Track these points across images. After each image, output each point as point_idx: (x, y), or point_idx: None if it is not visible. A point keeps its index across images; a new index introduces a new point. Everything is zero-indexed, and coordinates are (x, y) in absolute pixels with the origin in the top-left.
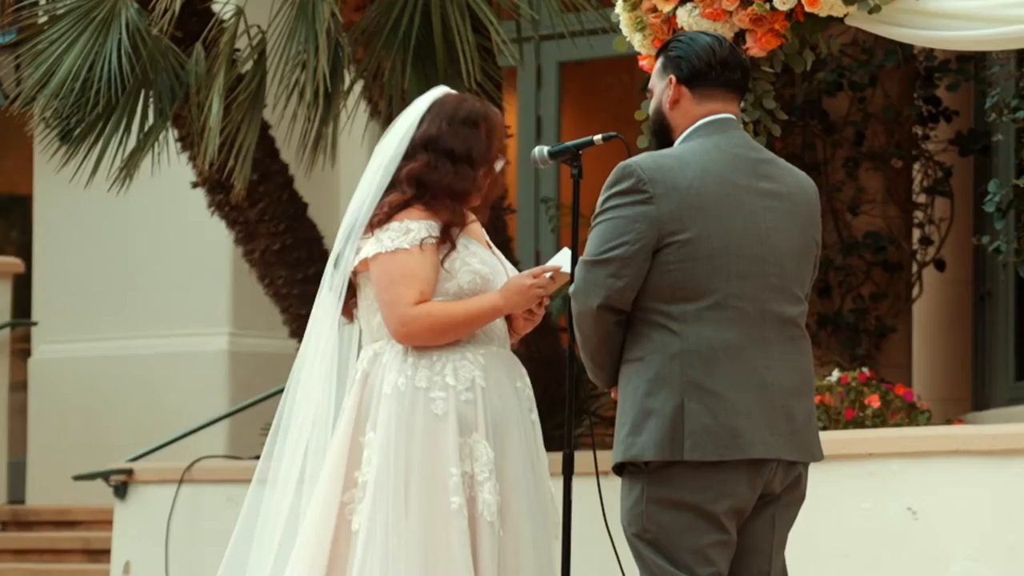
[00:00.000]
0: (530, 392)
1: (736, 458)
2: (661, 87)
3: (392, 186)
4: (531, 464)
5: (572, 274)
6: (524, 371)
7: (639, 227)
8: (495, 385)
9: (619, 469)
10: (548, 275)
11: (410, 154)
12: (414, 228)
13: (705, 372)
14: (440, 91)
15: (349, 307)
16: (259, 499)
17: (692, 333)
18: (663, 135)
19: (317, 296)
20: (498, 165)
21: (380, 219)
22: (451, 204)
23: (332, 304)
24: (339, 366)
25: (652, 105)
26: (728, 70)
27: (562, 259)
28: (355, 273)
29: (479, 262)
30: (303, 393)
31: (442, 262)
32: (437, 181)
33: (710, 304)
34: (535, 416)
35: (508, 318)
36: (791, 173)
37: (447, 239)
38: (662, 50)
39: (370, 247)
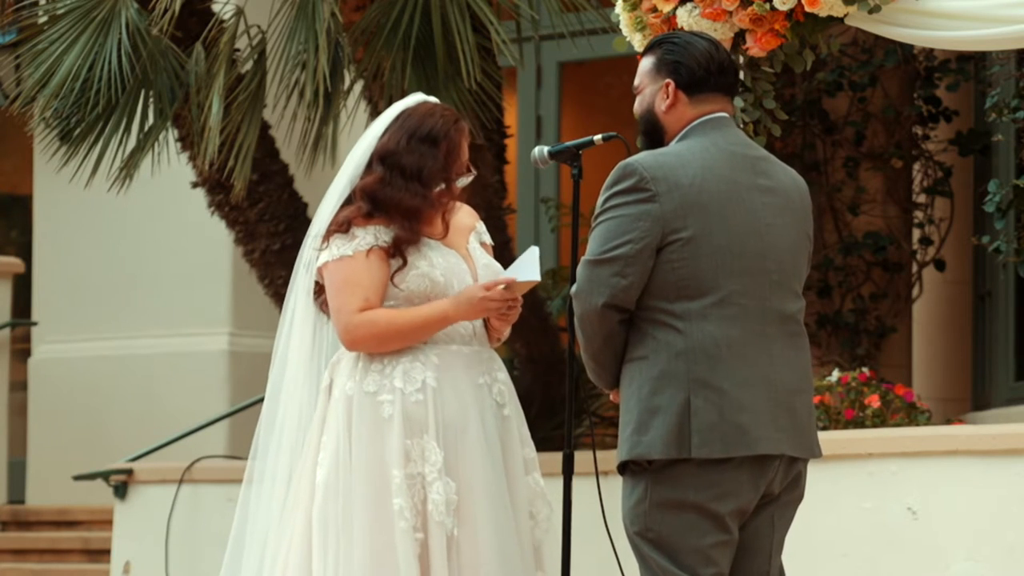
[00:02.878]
0: (502, 387)
1: (743, 454)
2: (654, 89)
3: (352, 197)
4: (497, 460)
5: (573, 274)
6: (497, 366)
7: (642, 225)
8: (450, 385)
9: (622, 468)
10: (501, 287)
11: (369, 165)
12: (359, 235)
13: (710, 369)
14: (412, 100)
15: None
16: (248, 499)
17: (696, 331)
18: (654, 136)
19: (288, 296)
20: (462, 181)
21: (333, 229)
22: (402, 220)
23: (304, 303)
24: (319, 364)
25: (642, 105)
26: (724, 75)
27: (529, 259)
28: (317, 284)
29: (428, 265)
30: (287, 393)
31: (392, 277)
32: (388, 197)
33: (713, 301)
34: (509, 411)
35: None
36: (784, 170)
37: (398, 252)
38: (654, 47)
39: (322, 256)
